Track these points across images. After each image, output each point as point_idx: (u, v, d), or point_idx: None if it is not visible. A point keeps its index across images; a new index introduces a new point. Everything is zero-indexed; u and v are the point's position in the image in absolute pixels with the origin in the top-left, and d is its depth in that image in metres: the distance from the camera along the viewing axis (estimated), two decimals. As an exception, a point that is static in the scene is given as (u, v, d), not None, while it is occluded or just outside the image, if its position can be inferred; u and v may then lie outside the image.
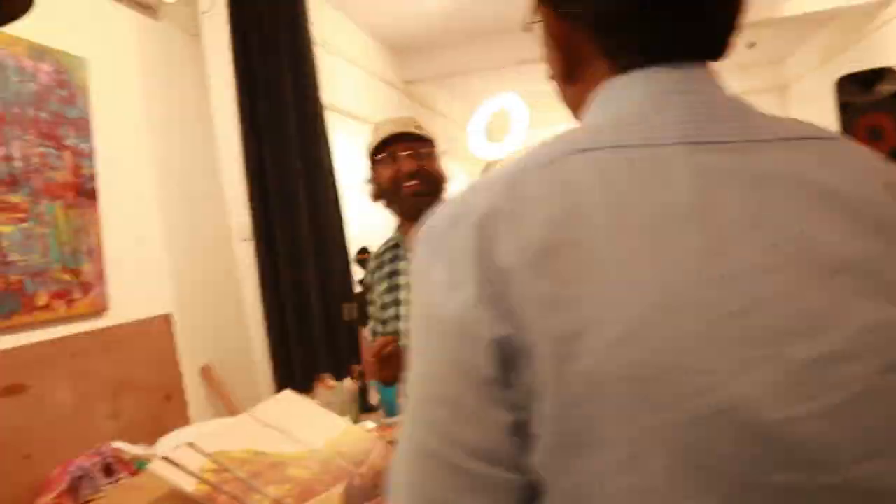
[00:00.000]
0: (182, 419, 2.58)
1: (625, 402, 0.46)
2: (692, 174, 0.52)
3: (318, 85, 2.98)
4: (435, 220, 0.57)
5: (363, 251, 3.05)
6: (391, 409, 2.39)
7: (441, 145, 7.06)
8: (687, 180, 0.51)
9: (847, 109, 3.84)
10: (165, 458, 1.26)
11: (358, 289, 3.12)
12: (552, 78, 0.73)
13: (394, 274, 1.84)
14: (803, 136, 0.58)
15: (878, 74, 3.86)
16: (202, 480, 1.25)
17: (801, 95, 7.42)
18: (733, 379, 0.46)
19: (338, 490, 1.53)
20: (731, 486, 0.46)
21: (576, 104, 0.68)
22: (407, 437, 0.55)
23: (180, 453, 1.27)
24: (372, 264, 1.92)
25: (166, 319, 2.59)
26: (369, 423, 2.39)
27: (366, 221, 4.33)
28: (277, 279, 2.84)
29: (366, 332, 2.02)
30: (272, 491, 1.38)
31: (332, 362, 2.78)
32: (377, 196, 1.83)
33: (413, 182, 1.72)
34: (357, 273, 3.22)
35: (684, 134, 0.54)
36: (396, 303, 1.81)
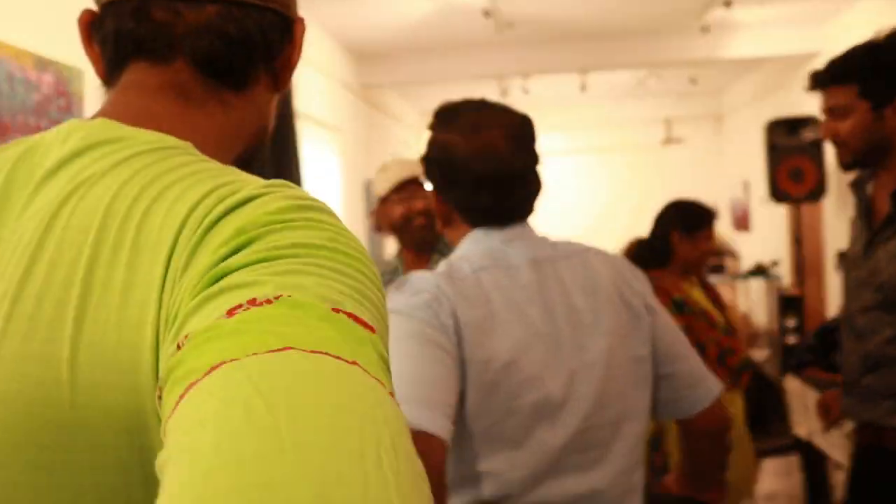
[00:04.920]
0: None
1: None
2: (533, 277, 1.10)
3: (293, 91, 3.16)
4: None
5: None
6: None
7: (392, 148, 7.21)
8: (533, 281, 1.10)
9: (774, 150, 4.25)
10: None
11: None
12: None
13: None
14: (572, 252, 1.15)
15: (803, 122, 4.26)
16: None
17: (734, 128, 7.97)
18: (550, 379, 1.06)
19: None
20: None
21: (450, 238, 1.22)
22: None
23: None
24: None
25: None
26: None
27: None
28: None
29: None
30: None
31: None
32: (384, 228, 2.21)
33: (422, 219, 2.07)
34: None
35: (526, 256, 1.12)
36: None
